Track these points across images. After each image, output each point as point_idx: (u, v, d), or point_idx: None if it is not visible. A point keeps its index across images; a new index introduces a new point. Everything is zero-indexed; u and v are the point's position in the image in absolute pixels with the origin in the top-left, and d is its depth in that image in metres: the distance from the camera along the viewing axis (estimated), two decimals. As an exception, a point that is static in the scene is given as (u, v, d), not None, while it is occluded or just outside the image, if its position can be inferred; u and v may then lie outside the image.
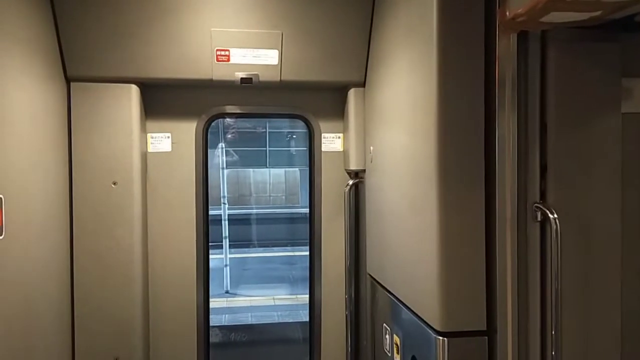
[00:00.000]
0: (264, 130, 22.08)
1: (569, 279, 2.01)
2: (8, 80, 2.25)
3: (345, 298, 3.33)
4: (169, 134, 3.25)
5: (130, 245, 3.01)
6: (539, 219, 2.02)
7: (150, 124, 3.22)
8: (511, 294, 2.02)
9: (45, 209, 2.66)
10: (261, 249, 14.13)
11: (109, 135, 2.97)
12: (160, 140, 3.23)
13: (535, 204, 2.02)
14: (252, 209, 18.87)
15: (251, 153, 21.40)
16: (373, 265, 3.06)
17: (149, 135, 3.22)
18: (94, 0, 2.81)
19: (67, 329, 2.95)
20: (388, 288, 2.73)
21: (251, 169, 21.64)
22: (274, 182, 22.48)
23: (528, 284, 2.05)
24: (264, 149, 22.36)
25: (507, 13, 1.93)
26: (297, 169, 22.22)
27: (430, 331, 2.15)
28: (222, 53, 2.97)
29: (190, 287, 3.28)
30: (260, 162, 21.96)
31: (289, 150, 22.83)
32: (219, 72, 3.00)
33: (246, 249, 13.80)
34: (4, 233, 2.18)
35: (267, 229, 16.13)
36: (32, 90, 2.50)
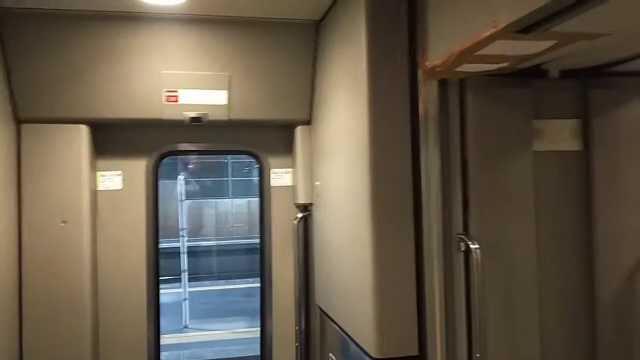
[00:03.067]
0: (225, 160, 22.02)
1: (492, 303, 2.17)
2: None
3: (296, 330, 3.41)
4: (120, 172, 3.31)
5: (80, 283, 3.02)
6: (462, 249, 2.19)
7: (100, 163, 3.28)
8: (439, 319, 2.16)
9: None
10: (222, 281, 13.95)
11: (59, 175, 3.02)
12: (111, 178, 3.29)
13: (459, 235, 2.20)
14: (213, 240, 18.65)
15: (213, 183, 21.25)
16: (321, 296, 3.17)
17: (99, 173, 3.27)
18: (44, 42, 2.89)
19: None
20: (334, 318, 2.84)
21: (213, 200, 21.45)
22: (236, 212, 22.30)
23: (455, 309, 2.20)
24: (226, 179, 22.25)
25: (427, 63, 2.13)
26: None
27: (367, 358, 2.26)
28: (171, 94, 3.09)
29: (141, 323, 3.30)
30: (222, 192, 21.81)
31: (252, 180, 22.78)
32: (169, 112, 3.11)
33: (207, 282, 13.60)
34: None
35: (228, 260, 15.94)
36: None
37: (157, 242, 3.36)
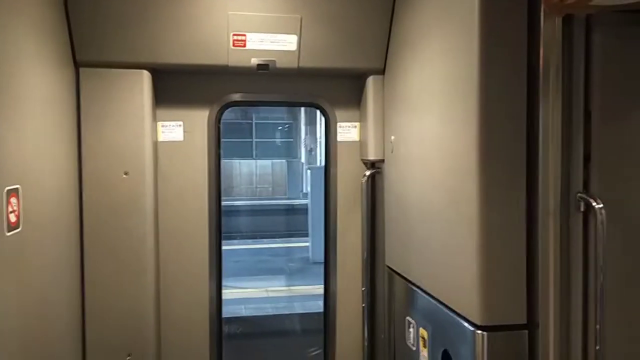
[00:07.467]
0: (250, 121, 21.89)
1: (613, 271, 1.96)
2: (22, 64, 2.12)
3: (362, 290, 3.26)
4: (181, 123, 3.12)
5: (142, 237, 2.89)
6: (582, 209, 1.97)
7: (160, 112, 3.09)
8: (553, 286, 1.97)
9: (57, 200, 2.54)
10: (250, 240, 14.01)
11: (120, 124, 2.84)
12: (172, 129, 3.11)
13: (579, 194, 1.97)
14: (239, 200, 18.72)
15: (237, 144, 21.21)
16: (393, 257, 2.99)
17: (159, 123, 3.10)
18: None
19: (78, 323, 2.84)
20: (414, 281, 2.67)
21: (237, 160, 21.47)
22: (260, 173, 22.33)
23: (570, 276, 2.00)
24: (250, 140, 22.18)
25: (556, -4, 1.86)
26: (284, 160, 22.11)
27: (467, 325, 2.09)
28: (239, 38, 2.86)
29: (203, 277, 3.18)
30: (246, 153, 21.79)
31: (276, 141, 22.67)
32: (235, 58, 2.88)
33: (235, 241, 13.68)
34: (21, 225, 2.06)
35: (254, 220, 16.01)
36: (42, 75, 2.36)
37: (219, 196, 3.20)
